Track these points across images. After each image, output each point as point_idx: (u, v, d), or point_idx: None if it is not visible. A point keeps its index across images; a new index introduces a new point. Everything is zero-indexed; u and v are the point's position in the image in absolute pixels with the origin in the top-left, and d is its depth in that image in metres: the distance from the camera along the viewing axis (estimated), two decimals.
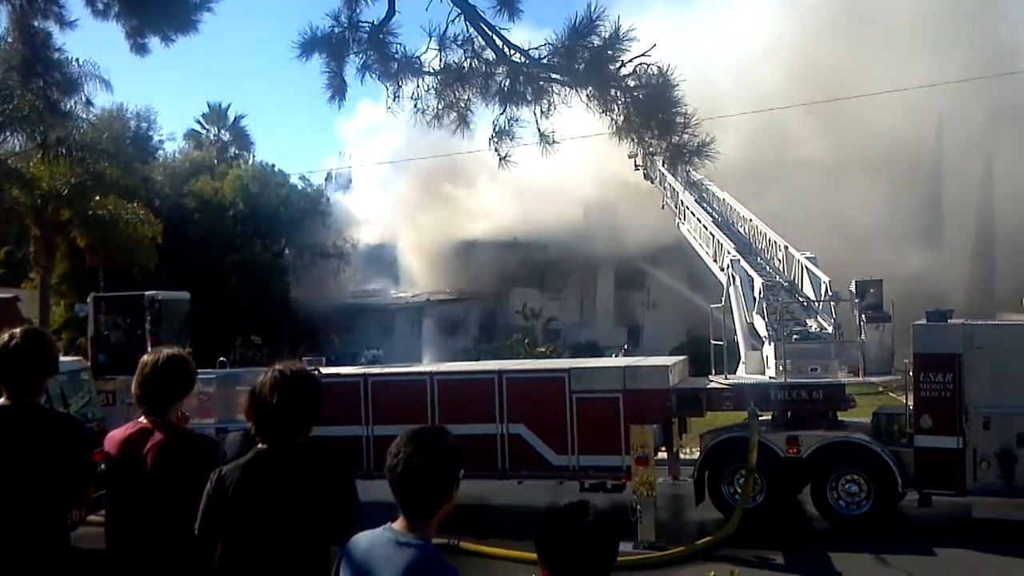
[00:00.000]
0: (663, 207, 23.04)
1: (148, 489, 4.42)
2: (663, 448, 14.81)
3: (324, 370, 16.31)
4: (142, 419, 4.61)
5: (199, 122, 54.95)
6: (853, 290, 14.94)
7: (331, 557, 3.71)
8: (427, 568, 3.12)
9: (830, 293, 15.25)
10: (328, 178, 49.80)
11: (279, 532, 3.95)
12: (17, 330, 4.50)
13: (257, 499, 3.98)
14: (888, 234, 30.49)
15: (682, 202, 20.92)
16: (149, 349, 5.02)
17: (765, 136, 33.03)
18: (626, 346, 26.63)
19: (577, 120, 8.56)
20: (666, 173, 21.28)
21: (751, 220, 19.04)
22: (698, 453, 14.64)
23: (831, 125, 32.90)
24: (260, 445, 4.09)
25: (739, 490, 13.49)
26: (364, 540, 3.32)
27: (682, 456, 16.21)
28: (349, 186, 49.93)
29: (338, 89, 7.91)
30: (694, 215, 20.12)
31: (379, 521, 3.33)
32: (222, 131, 55.13)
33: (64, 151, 27.39)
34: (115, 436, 4.64)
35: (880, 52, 32.70)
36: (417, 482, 3.17)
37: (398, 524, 3.24)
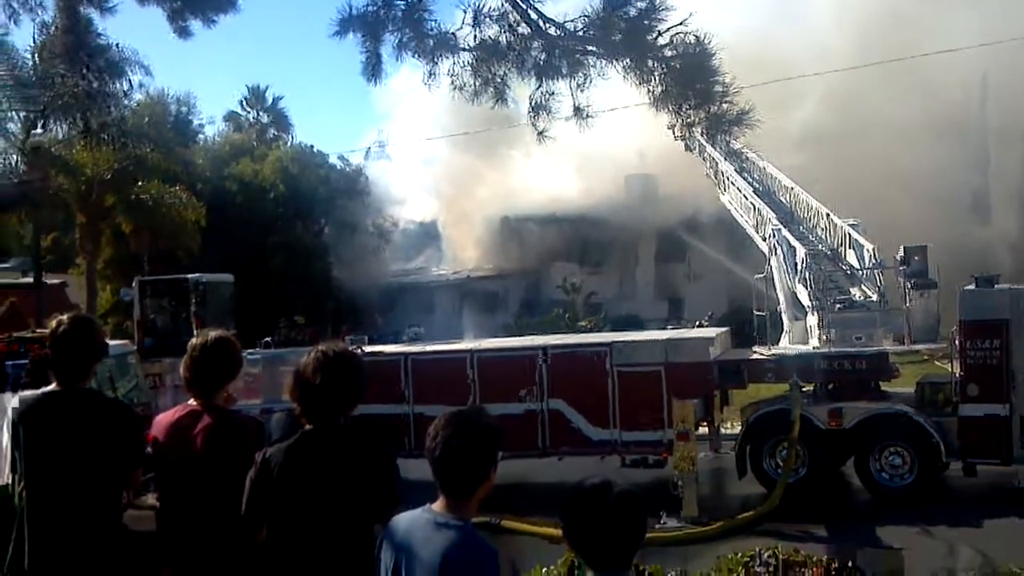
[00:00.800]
0: (708, 176, 22.83)
1: (198, 472, 4.49)
2: (704, 422, 14.77)
3: (366, 349, 16.43)
4: (191, 402, 4.67)
5: (241, 103, 55.46)
6: (899, 257, 14.75)
7: (375, 535, 3.76)
8: (466, 548, 3.14)
9: (874, 260, 15.06)
10: (367, 156, 49.93)
11: (324, 512, 3.99)
12: (65, 316, 4.60)
13: (302, 480, 4.02)
14: (937, 199, 29.95)
15: (722, 172, 20.72)
16: (195, 331, 5.10)
17: (824, 98, 32.50)
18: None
19: (616, 90, 8.50)
20: (706, 143, 21.07)
21: (792, 188, 18.82)
22: (740, 427, 14.58)
23: (885, 87, 32.20)
24: (306, 426, 4.14)
25: (781, 464, 13.43)
26: (404, 521, 3.35)
27: (723, 430, 16.15)
28: (387, 158, 49.99)
29: (375, 68, 7.94)
30: (734, 185, 19.93)
31: (421, 500, 3.36)
32: (261, 113, 55.54)
33: (106, 137, 27.72)
34: (164, 420, 4.71)
35: (941, 11, 31.89)
36: (456, 463, 3.20)
37: (437, 505, 3.27)
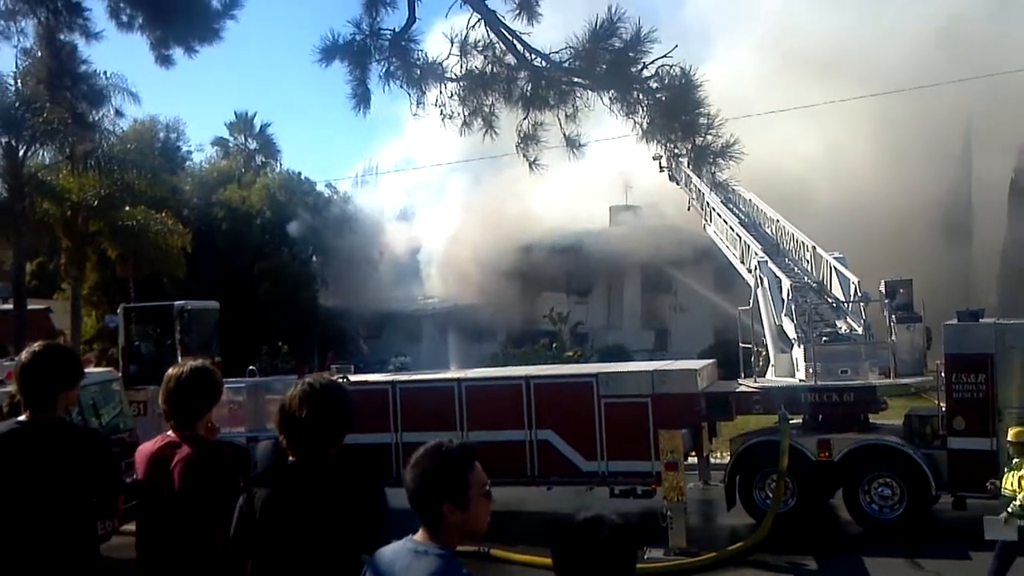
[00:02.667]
0: (689, 209, 22.92)
1: (176, 502, 4.43)
2: (693, 453, 14.72)
3: (352, 378, 16.33)
4: (170, 433, 4.62)
5: (228, 129, 55.46)
6: (883, 290, 14.77)
7: (363, 566, 3.70)
8: (446, 574, 3.10)
9: (859, 293, 15.09)
10: (355, 184, 50.04)
11: (310, 545, 3.94)
12: (36, 344, 4.52)
13: (287, 513, 3.97)
14: (917, 232, 30.12)
15: (708, 203, 20.79)
16: (179, 359, 5.05)
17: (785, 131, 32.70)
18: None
19: (602, 121, 8.52)
20: (691, 175, 21.14)
21: (778, 220, 18.88)
22: (728, 458, 14.53)
23: (863, 119, 32.45)
24: (291, 458, 4.08)
25: (770, 495, 13.38)
26: (388, 552, 3.32)
27: (712, 461, 16.09)
28: (374, 186, 50.12)
29: (362, 97, 7.94)
30: (720, 216, 19.98)
31: (410, 529, 3.32)
32: (249, 140, 55.54)
33: (92, 163, 27.64)
34: (145, 450, 4.67)
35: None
36: (414, 492, 3.17)
37: (419, 535, 3.24)
